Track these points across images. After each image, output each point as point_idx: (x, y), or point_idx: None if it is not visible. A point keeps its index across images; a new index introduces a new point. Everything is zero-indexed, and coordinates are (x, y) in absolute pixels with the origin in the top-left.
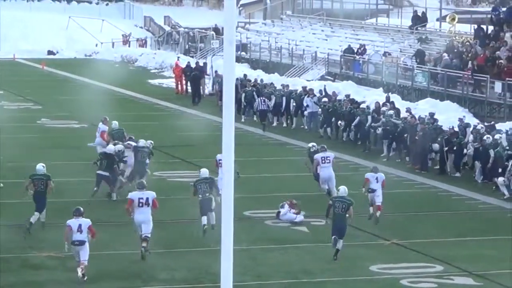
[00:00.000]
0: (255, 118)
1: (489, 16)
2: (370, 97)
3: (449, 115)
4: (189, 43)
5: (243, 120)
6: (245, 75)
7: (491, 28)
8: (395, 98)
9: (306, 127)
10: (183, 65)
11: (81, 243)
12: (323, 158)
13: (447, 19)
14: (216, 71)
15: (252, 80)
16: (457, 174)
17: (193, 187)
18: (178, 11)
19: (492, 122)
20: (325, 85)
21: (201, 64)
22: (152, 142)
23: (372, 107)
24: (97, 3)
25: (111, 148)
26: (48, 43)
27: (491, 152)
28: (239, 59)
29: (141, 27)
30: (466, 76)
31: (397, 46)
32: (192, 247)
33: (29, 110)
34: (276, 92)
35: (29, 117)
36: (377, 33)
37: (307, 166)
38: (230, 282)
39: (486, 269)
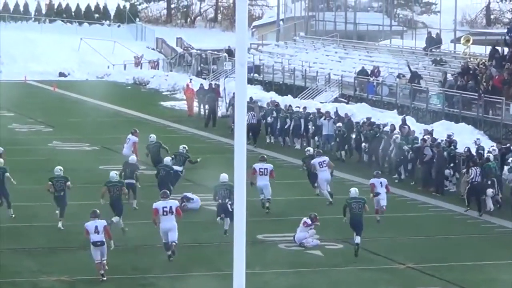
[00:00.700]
0: (271, 140)
1: (503, 37)
2: (384, 119)
3: (464, 137)
4: (202, 65)
5: (268, 141)
6: (250, 98)
7: (506, 49)
8: (410, 120)
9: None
10: (196, 87)
11: (102, 243)
12: (320, 163)
13: (462, 40)
14: (234, 93)
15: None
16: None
17: (213, 190)
18: (191, 33)
19: (508, 144)
20: (336, 108)
21: (214, 86)
22: (186, 146)
23: (388, 129)
24: (109, 25)
25: (134, 158)
26: (60, 65)
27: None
28: (252, 81)
29: (153, 49)
30: (481, 98)
31: (412, 68)
32: (204, 271)
33: (40, 133)
34: (294, 115)
35: (40, 140)
36: (391, 54)
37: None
38: None
39: None
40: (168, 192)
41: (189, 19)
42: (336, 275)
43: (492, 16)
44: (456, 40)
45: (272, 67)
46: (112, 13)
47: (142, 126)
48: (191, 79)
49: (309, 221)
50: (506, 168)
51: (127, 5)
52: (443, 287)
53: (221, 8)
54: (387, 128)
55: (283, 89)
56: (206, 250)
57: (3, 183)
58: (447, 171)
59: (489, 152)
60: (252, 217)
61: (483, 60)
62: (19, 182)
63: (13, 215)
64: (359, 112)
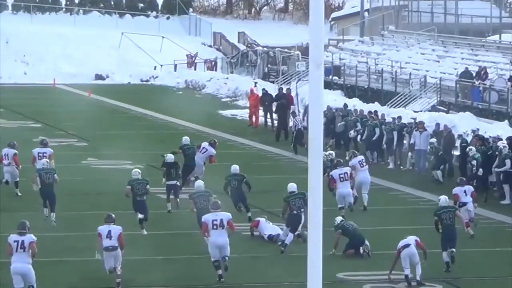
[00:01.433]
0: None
1: None
2: (493, 132)
3: None
4: (269, 66)
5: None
6: (328, 107)
7: None
8: None
9: (412, 167)
10: (260, 92)
11: (114, 248)
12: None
13: None
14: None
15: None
16: None
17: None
18: (255, 26)
19: None
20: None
21: (284, 91)
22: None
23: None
24: (156, 17)
25: (171, 156)
26: (96, 65)
27: None
28: (330, 85)
29: (210, 46)
30: None
31: None
32: None
33: (72, 148)
34: (386, 126)
35: (72, 156)
36: (501, 53)
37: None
38: None
39: None
40: (219, 202)
41: (253, 10)
42: None
43: None
44: None
45: (355, 68)
46: (160, 2)
47: (196, 139)
48: (256, 83)
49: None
50: None
51: None
52: None
53: None
54: (503, 143)
55: (368, 95)
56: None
57: (51, 186)
58: None
59: None
60: (330, 250)
61: None
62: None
63: (55, 223)
64: (462, 123)
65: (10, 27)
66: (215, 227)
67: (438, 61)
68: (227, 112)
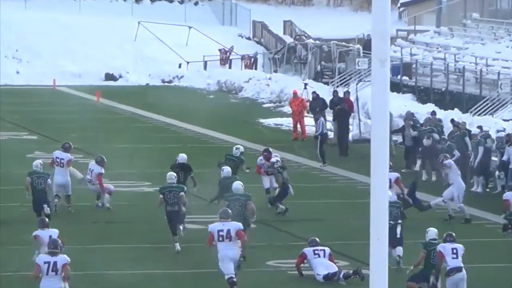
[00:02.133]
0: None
1: None
2: None
3: None
4: (322, 63)
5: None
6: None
7: None
8: None
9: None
10: (308, 96)
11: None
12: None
13: None
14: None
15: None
16: None
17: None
18: (305, 14)
19: None
20: None
21: (341, 95)
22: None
23: None
24: (181, 2)
25: (183, 157)
26: (106, 62)
27: None
28: (399, 87)
29: (249, 38)
30: None
31: None
32: None
33: (77, 165)
34: (472, 140)
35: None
36: None
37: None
38: None
39: None
40: (229, 211)
41: None
42: None
43: None
44: None
45: (429, 67)
46: None
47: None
48: (306, 84)
49: None
50: None
51: None
52: None
53: None
54: None
55: (446, 99)
56: None
57: (44, 192)
58: None
59: None
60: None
61: None
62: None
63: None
64: None
65: None
66: (221, 238)
67: None
68: (270, 121)
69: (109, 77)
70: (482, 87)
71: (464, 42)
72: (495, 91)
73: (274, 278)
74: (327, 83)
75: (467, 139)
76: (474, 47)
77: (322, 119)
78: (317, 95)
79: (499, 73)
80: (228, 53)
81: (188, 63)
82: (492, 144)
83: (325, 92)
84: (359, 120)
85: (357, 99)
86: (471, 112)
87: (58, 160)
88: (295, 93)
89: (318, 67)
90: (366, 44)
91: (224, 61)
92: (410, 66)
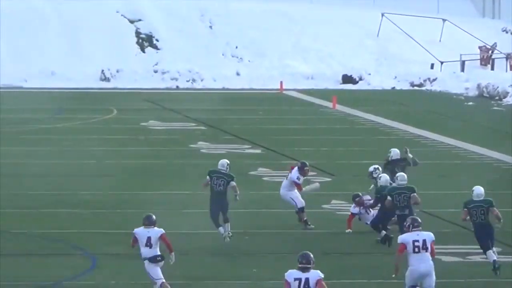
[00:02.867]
0: None
1: None
2: None
3: None
4: None
5: None
6: None
7: None
8: None
9: None
10: None
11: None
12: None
13: None
14: None
15: None
16: None
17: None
18: None
19: None
20: None
21: None
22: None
23: None
24: None
25: (397, 151)
26: (343, 62)
27: None
28: None
29: None
30: None
31: None
32: None
33: (307, 184)
34: None
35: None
36: None
37: None
38: None
39: None
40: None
41: None
42: None
43: None
44: None
45: None
46: None
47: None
48: None
49: None
50: None
51: None
52: None
53: None
54: None
55: None
56: None
57: (224, 194)
58: None
59: None
60: None
61: None
62: None
63: (230, 234)
64: None
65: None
66: (416, 249)
67: None
68: None
69: (347, 79)
70: None
71: None
72: None
73: None
74: None
75: None
76: None
77: None
78: None
79: None
80: (490, 52)
81: (442, 63)
82: None
83: None
84: None
85: None
86: None
87: None
88: None
89: None
90: None
91: (486, 61)
92: None
